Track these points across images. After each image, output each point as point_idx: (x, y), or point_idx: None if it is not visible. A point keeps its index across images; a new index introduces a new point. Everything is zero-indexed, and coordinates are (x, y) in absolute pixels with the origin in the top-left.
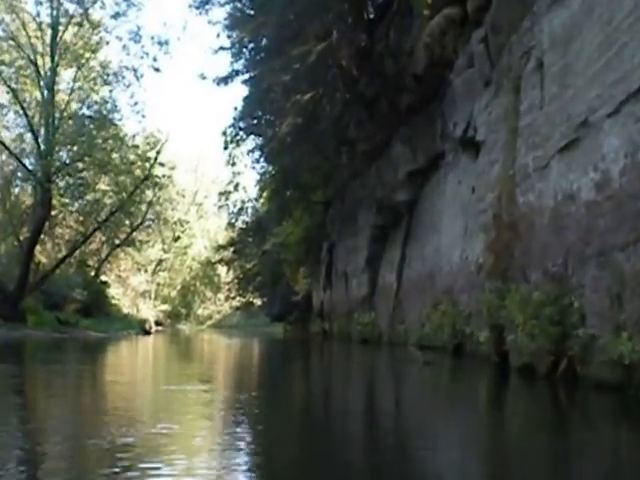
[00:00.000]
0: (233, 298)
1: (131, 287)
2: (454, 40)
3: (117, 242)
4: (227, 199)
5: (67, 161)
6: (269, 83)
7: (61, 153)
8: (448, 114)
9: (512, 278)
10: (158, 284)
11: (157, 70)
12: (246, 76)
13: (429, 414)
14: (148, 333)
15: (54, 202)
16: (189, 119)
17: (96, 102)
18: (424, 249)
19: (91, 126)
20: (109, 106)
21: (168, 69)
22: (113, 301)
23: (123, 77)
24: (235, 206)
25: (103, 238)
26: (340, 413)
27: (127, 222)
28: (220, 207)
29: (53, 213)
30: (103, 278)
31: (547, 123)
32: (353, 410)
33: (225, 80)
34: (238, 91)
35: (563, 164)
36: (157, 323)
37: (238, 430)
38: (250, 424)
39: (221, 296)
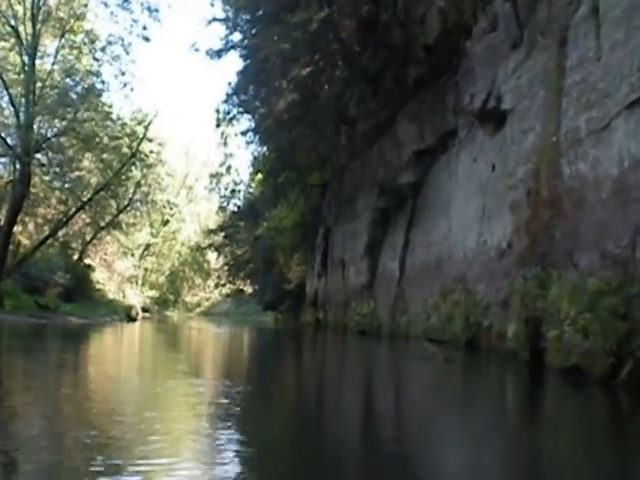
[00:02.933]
0: (223, 285)
1: (117, 272)
2: (473, 3)
3: (102, 224)
4: (218, 182)
5: (49, 135)
6: (266, 53)
7: (42, 127)
8: (463, 86)
9: (553, 263)
10: (145, 269)
11: (146, 40)
12: (241, 50)
13: (484, 440)
14: (133, 320)
15: (35, 180)
16: (180, 98)
17: (80, 71)
18: (431, 234)
19: (74, 96)
20: (95, 77)
21: (158, 42)
22: (98, 286)
23: (110, 44)
24: (227, 189)
25: (87, 220)
26: (358, 433)
27: (113, 203)
28: (211, 190)
29: (34, 191)
30: (87, 262)
31: (607, 76)
32: (381, 430)
33: (219, 53)
34: (232, 68)
35: (632, 123)
36: (144, 310)
37: (225, 429)
38: (239, 423)
39: (210, 283)
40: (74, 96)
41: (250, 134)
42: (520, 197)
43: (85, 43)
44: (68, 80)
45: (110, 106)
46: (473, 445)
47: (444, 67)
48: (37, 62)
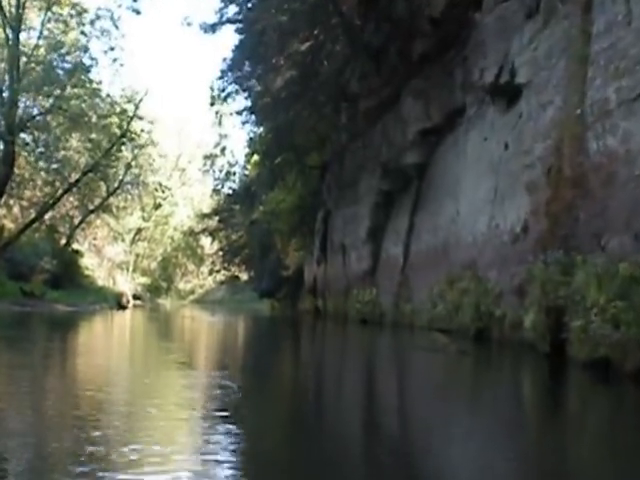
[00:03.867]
0: (217, 271)
1: (107, 258)
2: None
3: (91, 207)
4: (213, 163)
5: (34, 113)
6: (263, 25)
7: (28, 104)
8: (473, 60)
9: (577, 247)
10: (137, 255)
11: (137, 12)
12: (237, 25)
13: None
14: (124, 307)
15: (21, 160)
16: (172, 75)
17: (67, 46)
18: (437, 218)
19: (60, 72)
20: (83, 53)
21: (149, 15)
22: (86, 272)
23: (98, 17)
24: (221, 171)
25: (76, 203)
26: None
27: (103, 186)
28: (205, 172)
29: (19, 172)
30: (75, 247)
31: (639, 41)
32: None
33: (213, 27)
34: (228, 44)
35: None
36: (135, 297)
37: (220, 429)
38: (234, 419)
39: (204, 269)
40: (61, 72)
41: (246, 113)
42: (538, 176)
43: (72, 16)
44: (54, 55)
45: (99, 82)
46: (493, 448)
47: (451, 41)
48: (21, 36)
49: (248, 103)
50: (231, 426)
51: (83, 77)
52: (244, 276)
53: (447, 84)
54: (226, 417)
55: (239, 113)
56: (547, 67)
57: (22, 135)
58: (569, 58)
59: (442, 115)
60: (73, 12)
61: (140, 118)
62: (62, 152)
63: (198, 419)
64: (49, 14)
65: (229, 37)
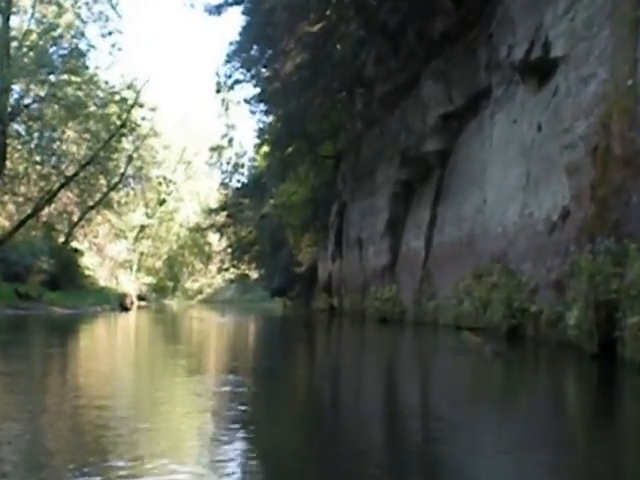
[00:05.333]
0: (226, 270)
1: (109, 256)
2: None
3: (91, 203)
4: (220, 156)
5: (27, 102)
6: (272, 3)
7: (20, 92)
8: (500, 37)
9: (630, 234)
10: (141, 254)
11: None
12: (245, 5)
13: None
14: (127, 309)
15: (15, 154)
16: (175, 62)
17: (61, 30)
18: (461, 208)
19: (55, 57)
20: (78, 37)
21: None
22: (87, 272)
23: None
24: (229, 164)
25: (74, 198)
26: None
27: (103, 180)
28: (212, 165)
29: (11, 166)
30: (75, 245)
31: None
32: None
33: (218, 9)
34: (234, 28)
35: None
36: (140, 298)
37: (233, 447)
38: (248, 432)
39: (212, 267)
40: (55, 57)
41: (254, 101)
42: (580, 157)
43: None
44: (47, 38)
45: (96, 67)
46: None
47: (475, 18)
48: (12, 19)
49: (256, 90)
50: (244, 442)
51: (79, 63)
52: (254, 274)
53: (470, 65)
54: (239, 429)
55: (247, 102)
56: (587, 37)
57: (15, 126)
58: (615, 25)
59: (465, 98)
60: None
61: (141, 106)
62: (58, 143)
63: (208, 438)
64: None
65: (236, 20)
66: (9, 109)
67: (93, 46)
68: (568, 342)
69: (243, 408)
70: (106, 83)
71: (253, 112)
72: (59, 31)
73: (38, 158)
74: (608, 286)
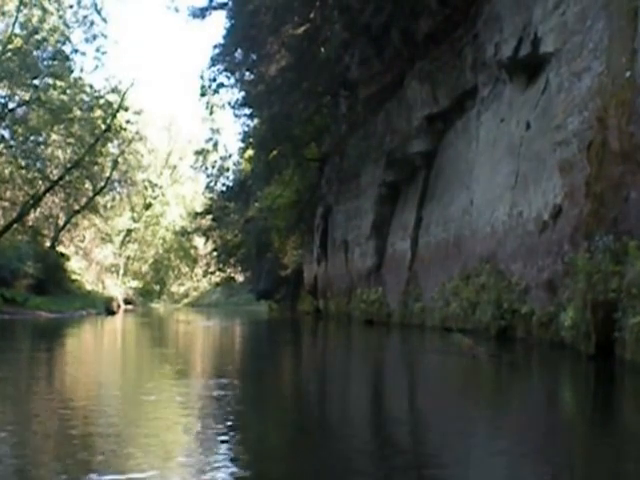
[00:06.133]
0: (212, 273)
1: (95, 261)
2: None
3: (77, 207)
4: (205, 159)
5: (12, 106)
6: (256, 5)
7: (5, 96)
8: (486, 35)
9: (628, 231)
10: (127, 258)
11: None
12: (229, 8)
13: None
14: (113, 313)
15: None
16: (160, 67)
17: (45, 34)
18: (448, 209)
19: (39, 61)
20: (63, 41)
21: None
22: (73, 276)
23: (79, 3)
24: (214, 167)
25: (60, 203)
26: None
27: (88, 184)
28: (197, 169)
29: None
30: (61, 250)
31: None
32: None
33: (203, 12)
34: (218, 33)
35: None
36: (127, 302)
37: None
38: (235, 437)
39: (198, 271)
40: (39, 61)
41: (239, 105)
42: (574, 154)
43: (50, 1)
44: (32, 41)
45: (81, 70)
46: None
47: (460, 18)
48: None
49: (241, 94)
50: (231, 448)
51: (63, 67)
52: (240, 277)
53: (456, 65)
54: (227, 434)
55: (232, 106)
56: (580, 31)
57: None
58: (610, 16)
59: (451, 98)
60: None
61: (125, 109)
62: (43, 147)
63: (196, 441)
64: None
65: (220, 25)
66: None
67: (78, 50)
68: (561, 343)
69: (230, 410)
70: (91, 87)
71: (237, 116)
72: (43, 34)
73: (23, 162)
74: (607, 285)
